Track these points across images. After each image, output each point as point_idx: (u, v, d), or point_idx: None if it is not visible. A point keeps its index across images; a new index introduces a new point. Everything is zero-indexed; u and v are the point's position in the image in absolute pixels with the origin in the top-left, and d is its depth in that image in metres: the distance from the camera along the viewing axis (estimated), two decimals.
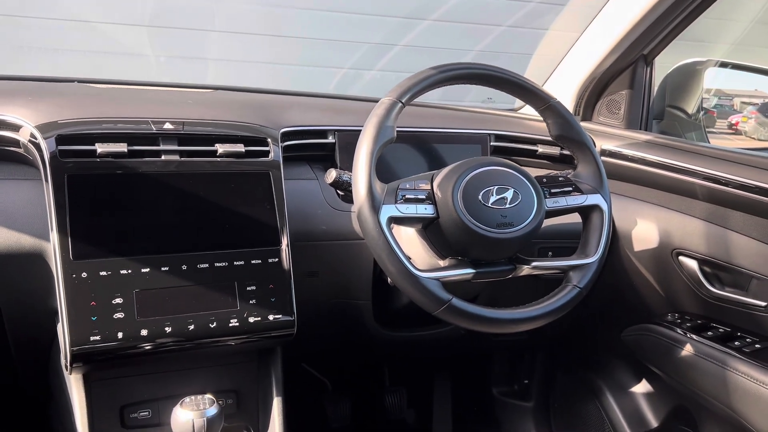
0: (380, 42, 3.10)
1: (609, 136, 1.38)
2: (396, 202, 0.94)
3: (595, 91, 1.41)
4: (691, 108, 1.53)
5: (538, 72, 1.58)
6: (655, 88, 1.46)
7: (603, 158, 1.35)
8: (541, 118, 1.09)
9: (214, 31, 3.00)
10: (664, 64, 1.48)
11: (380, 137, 0.95)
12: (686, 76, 1.54)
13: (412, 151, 1.27)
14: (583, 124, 1.46)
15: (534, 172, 1.05)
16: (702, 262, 1.17)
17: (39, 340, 1.06)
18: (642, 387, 1.47)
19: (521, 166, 1.03)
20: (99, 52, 2.74)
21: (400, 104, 0.98)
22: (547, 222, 1.04)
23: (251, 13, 3.02)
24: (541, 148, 1.36)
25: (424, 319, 1.27)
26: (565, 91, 1.43)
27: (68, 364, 0.91)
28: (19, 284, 0.98)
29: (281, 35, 3.00)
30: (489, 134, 1.34)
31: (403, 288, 0.94)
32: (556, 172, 1.10)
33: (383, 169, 1.11)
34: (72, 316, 0.90)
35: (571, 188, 1.06)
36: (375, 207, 0.92)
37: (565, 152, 1.28)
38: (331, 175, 1.02)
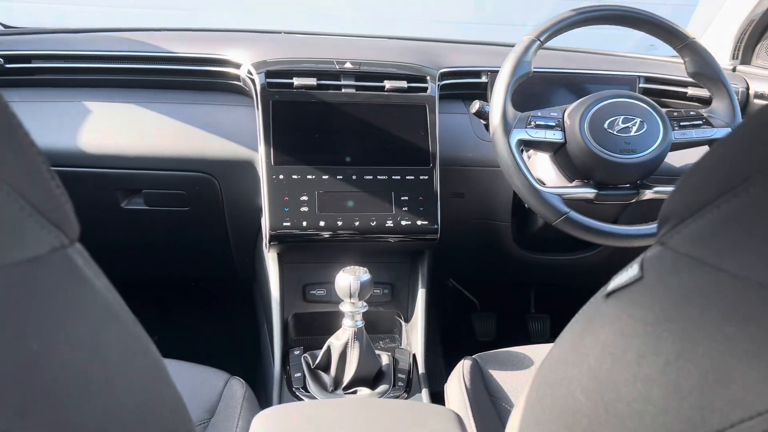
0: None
1: (765, 78, 1.37)
2: (526, 127, 1.10)
3: (754, 34, 1.40)
4: None
5: (703, 18, 1.57)
6: None
7: (756, 100, 1.35)
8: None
9: None
10: None
11: (517, 71, 1.10)
12: None
13: (562, 90, 1.39)
14: (741, 67, 1.46)
15: None
16: None
17: (249, 232, 1.38)
18: None
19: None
20: (302, 10, 3.14)
21: (538, 42, 1.12)
22: (679, 158, 1.11)
23: None
24: (691, 90, 1.39)
25: (560, 243, 1.41)
26: (725, 34, 1.43)
27: (268, 243, 1.21)
28: (237, 185, 1.31)
29: None
30: (639, 76, 1.41)
31: (527, 201, 1.09)
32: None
33: (530, 105, 1.25)
34: (271, 207, 1.19)
35: (701, 122, 1.12)
36: (506, 130, 1.09)
37: None
38: (475, 106, 1.20)
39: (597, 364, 0.38)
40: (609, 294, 0.40)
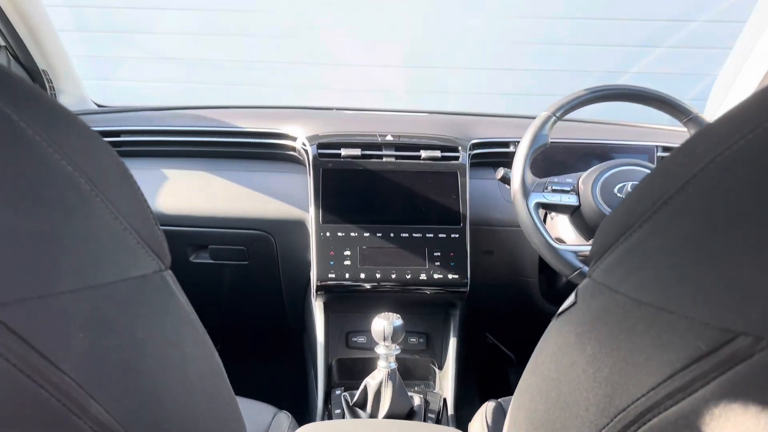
0: (579, 70, 3.28)
1: None
2: (544, 191, 1.23)
3: None
4: None
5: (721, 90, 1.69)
6: None
7: None
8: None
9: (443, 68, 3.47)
10: None
11: (534, 142, 1.25)
12: None
13: (583, 158, 1.52)
14: None
15: None
16: None
17: (299, 284, 1.55)
18: None
19: None
20: (359, 90, 3.41)
21: (554, 117, 1.27)
22: None
23: (485, 53, 3.43)
24: None
25: None
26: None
27: (315, 292, 1.37)
28: (290, 242, 1.48)
29: (509, 69, 3.36)
30: (657, 146, 1.53)
31: (546, 257, 1.22)
32: None
33: (553, 171, 1.39)
34: (319, 260, 1.36)
35: None
36: (525, 194, 1.23)
37: None
38: (500, 172, 1.34)
39: (547, 370, 0.52)
40: (557, 316, 0.54)
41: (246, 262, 1.52)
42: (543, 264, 1.49)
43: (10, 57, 1.41)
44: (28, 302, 0.33)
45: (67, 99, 1.61)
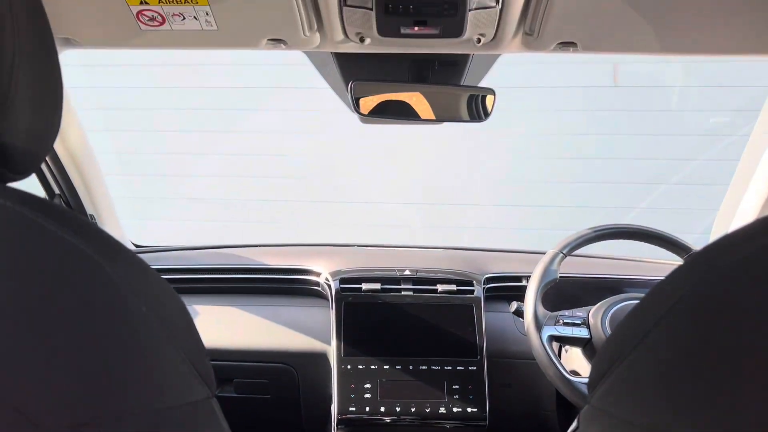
0: (579, 205, 3.42)
1: None
2: (555, 325, 1.29)
3: None
4: None
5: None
6: None
7: None
8: None
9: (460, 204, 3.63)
10: None
11: (544, 278, 1.32)
12: None
13: (594, 292, 1.58)
14: None
15: None
16: None
17: (320, 418, 1.57)
18: None
19: None
20: (379, 225, 3.56)
21: (562, 254, 1.35)
22: None
23: (498, 190, 3.60)
24: None
25: None
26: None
27: (335, 426, 1.39)
28: (312, 374, 1.52)
29: (522, 205, 3.51)
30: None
31: (560, 388, 1.25)
32: None
33: (565, 304, 1.44)
34: (340, 394, 1.39)
35: None
36: (538, 327, 1.28)
37: None
38: (513, 306, 1.40)
39: None
40: None
41: (268, 396, 1.55)
42: (560, 397, 1.50)
43: (63, 204, 1.56)
44: (103, 421, 0.40)
45: None
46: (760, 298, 0.39)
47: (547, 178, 3.45)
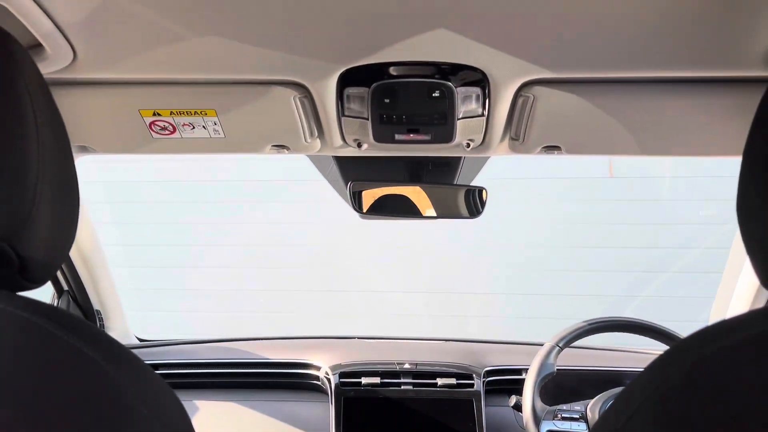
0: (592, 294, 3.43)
1: None
2: (554, 419, 1.28)
3: None
4: None
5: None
6: None
7: None
8: None
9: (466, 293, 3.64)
10: None
11: (541, 371, 1.33)
12: None
13: (594, 384, 1.58)
14: None
15: None
16: None
17: None
18: None
19: None
20: (382, 314, 3.57)
21: (558, 347, 1.36)
22: None
23: (500, 279, 3.63)
24: None
25: None
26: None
27: None
28: None
29: (524, 294, 3.52)
30: None
31: None
32: None
33: (563, 397, 1.44)
34: None
35: None
36: (536, 422, 1.28)
37: None
38: (512, 400, 1.40)
39: None
40: None
41: None
42: None
43: (71, 300, 1.60)
44: None
45: (114, 335, 1.77)
46: (734, 389, 0.43)
47: (550, 267, 3.48)
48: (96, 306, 1.64)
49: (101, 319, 1.70)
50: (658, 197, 3.36)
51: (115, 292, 1.73)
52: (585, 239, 3.44)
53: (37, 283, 0.55)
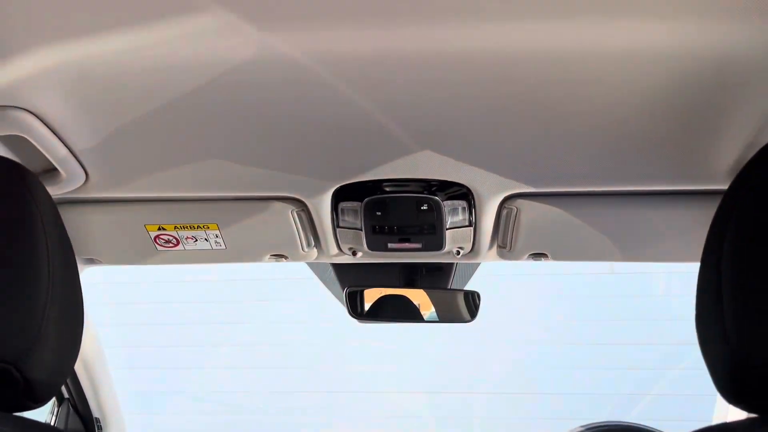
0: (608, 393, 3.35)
1: None
2: None
3: None
4: None
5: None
6: None
7: None
8: None
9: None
10: None
11: None
12: None
13: None
14: None
15: None
16: None
17: None
18: None
19: None
20: (385, 417, 3.49)
21: None
22: None
23: (510, 376, 3.57)
24: None
25: None
26: None
27: None
28: None
29: (532, 393, 3.45)
30: None
31: None
32: None
33: None
34: None
35: None
36: None
37: None
38: None
39: None
40: None
41: None
42: None
43: (71, 408, 1.59)
44: None
45: None
46: None
47: (557, 365, 3.43)
48: (95, 414, 1.64)
49: (100, 428, 1.68)
50: (662, 292, 3.37)
51: (116, 398, 1.73)
52: (589, 336, 3.41)
53: (40, 403, 0.58)
